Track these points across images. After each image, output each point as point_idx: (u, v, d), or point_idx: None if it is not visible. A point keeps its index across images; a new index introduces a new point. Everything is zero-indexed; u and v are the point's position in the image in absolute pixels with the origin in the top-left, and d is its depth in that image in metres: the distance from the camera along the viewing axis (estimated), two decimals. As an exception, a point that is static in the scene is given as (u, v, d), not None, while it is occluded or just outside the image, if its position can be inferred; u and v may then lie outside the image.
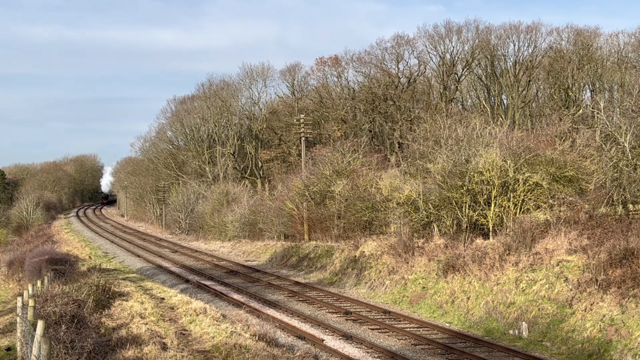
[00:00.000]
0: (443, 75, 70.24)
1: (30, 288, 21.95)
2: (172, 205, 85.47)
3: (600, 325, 20.05)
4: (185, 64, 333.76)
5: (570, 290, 22.26)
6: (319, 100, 78.20)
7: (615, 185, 34.23)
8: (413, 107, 71.43)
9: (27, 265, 34.37)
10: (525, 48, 68.38)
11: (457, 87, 71.64)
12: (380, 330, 23.60)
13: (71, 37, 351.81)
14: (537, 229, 26.59)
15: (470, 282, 26.40)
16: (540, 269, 24.14)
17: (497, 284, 25.10)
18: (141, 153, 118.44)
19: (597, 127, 39.37)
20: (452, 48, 69.72)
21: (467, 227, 33.82)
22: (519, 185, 32.49)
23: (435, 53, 70.45)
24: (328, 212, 46.44)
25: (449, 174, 34.90)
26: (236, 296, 30.90)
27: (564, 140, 39.11)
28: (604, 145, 36.15)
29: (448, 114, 54.09)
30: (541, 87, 71.15)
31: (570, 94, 66.23)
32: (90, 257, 52.64)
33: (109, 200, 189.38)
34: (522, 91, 68.47)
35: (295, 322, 24.64)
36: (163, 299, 26.88)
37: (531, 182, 32.30)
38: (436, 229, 35.15)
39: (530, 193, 32.50)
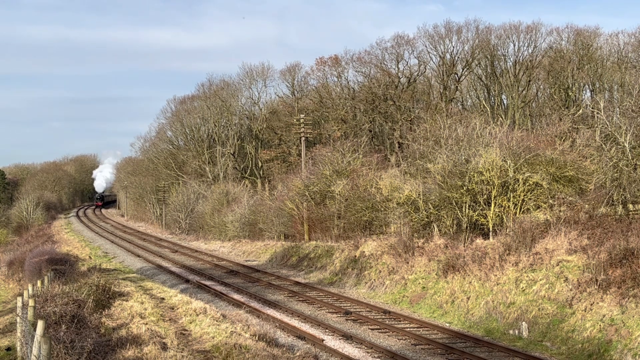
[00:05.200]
0: (443, 75, 70.23)
1: (30, 288, 21.95)
2: (172, 205, 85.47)
3: (600, 325, 20.05)
4: (185, 64, 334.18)
5: (570, 290, 22.26)
6: (319, 100, 78.18)
7: (615, 185, 34.24)
8: (413, 107, 71.45)
9: (27, 265, 34.36)
10: (525, 48, 68.45)
11: (457, 87, 71.63)
12: (380, 330, 23.60)
13: (71, 37, 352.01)
14: (537, 229, 26.58)
15: (470, 282, 26.40)
16: (540, 269, 24.14)
17: (497, 284, 25.10)
18: (141, 153, 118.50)
19: (597, 127, 39.39)
20: (452, 48, 69.77)
21: (467, 227, 33.82)
22: (519, 185, 32.48)
23: (435, 53, 70.52)
24: (328, 212, 46.44)
25: (449, 174, 34.90)
26: (236, 296, 30.91)
27: (564, 140, 39.11)
28: (604, 145, 36.17)
29: (448, 114, 54.11)
30: (541, 87, 71.15)
31: (570, 94, 66.23)
32: (90, 257, 52.64)
33: (106, 201, 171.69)
34: (522, 91, 68.47)
35: (295, 322, 24.64)
36: (163, 299, 26.88)
37: (531, 182, 32.29)
38: (436, 229, 35.14)
39: (530, 193, 32.50)
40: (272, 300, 29.72)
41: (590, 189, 33.14)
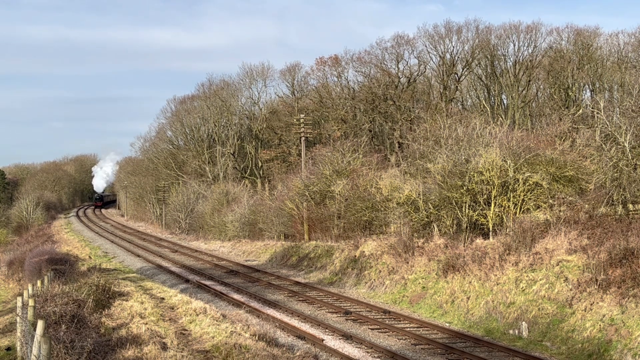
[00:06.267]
0: (443, 75, 70.23)
1: (30, 288, 21.94)
2: (172, 205, 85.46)
3: (600, 325, 20.05)
4: (185, 64, 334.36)
5: (570, 290, 22.26)
6: (319, 100, 78.18)
7: (615, 185, 34.24)
8: (413, 107, 71.44)
9: (27, 265, 34.36)
10: (525, 48, 68.46)
11: (457, 87, 71.63)
12: (380, 330, 23.60)
13: (71, 37, 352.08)
14: (537, 229, 26.58)
15: (470, 282, 26.40)
16: (540, 269, 24.13)
17: (497, 284, 25.10)
18: (141, 153, 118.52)
19: (597, 127, 39.38)
20: (452, 48, 69.78)
21: (467, 227, 33.82)
22: (519, 185, 32.48)
23: (435, 53, 70.52)
24: (328, 212, 46.43)
25: (449, 173, 34.90)
26: (236, 296, 30.90)
27: (564, 140, 39.11)
28: (604, 145, 36.17)
29: (448, 113, 54.11)
30: (541, 87, 71.15)
31: (570, 94, 66.23)
32: (90, 257, 52.64)
33: (105, 201, 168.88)
34: (522, 91, 68.47)
35: (295, 322, 24.64)
36: (163, 298, 26.88)
37: (531, 182, 32.29)
38: (436, 229, 35.14)
39: (530, 193, 32.49)
40: (272, 300, 29.71)
41: (590, 189, 33.14)
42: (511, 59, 69.35)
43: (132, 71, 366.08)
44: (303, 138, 56.27)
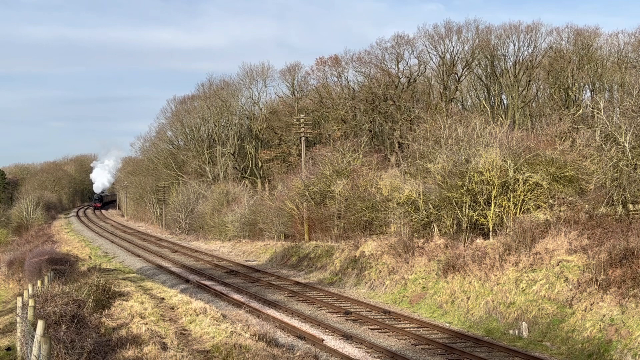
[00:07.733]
0: (443, 75, 70.21)
1: (30, 288, 21.95)
2: (172, 205, 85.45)
3: (600, 325, 20.05)
4: (185, 64, 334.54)
5: (570, 290, 22.26)
6: (319, 100, 78.16)
7: (615, 185, 34.19)
8: (413, 107, 71.42)
9: (27, 265, 34.35)
10: (525, 48, 68.43)
11: (457, 87, 71.61)
12: (380, 330, 23.61)
13: (71, 37, 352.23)
14: (537, 229, 26.58)
15: (470, 282, 26.40)
16: (540, 269, 24.13)
17: (497, 284, 25.10)
18: (141, 153, 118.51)
19: (597, 127, 39.33)
20: (452, 48, 69.75)
21: (467, 227, 33.80)
22: (519, 185, 32.47)
23: (435, 53, 70.50)
24: (328, 212, 46.42)
25: (449, 174, 34.88)
26: (236, 296, 30.91)
27: (564, 140, 39.07)
28: (604, 145, 36.13)
29: (448, 113, 54.11)
30: (541, 87, 71.14)
31: (570, 94, 66.21)
32: (90, 257, 52.64)
33: (105, 201, 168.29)
34: (522, 91, 68.45)
35: (295, 322, 24.64)
36: (163, 299, 26.88)
37: (531, 182, 32.29)
38: (436, 229, 35.13)
39: (530, 193, 32.49)
40: (272, 300, 29.71)
41: (590, 189, 33.11)
42: (511, 59, 69.38)
43: (132, 71, 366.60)
44: (303, 138, 56.26)
